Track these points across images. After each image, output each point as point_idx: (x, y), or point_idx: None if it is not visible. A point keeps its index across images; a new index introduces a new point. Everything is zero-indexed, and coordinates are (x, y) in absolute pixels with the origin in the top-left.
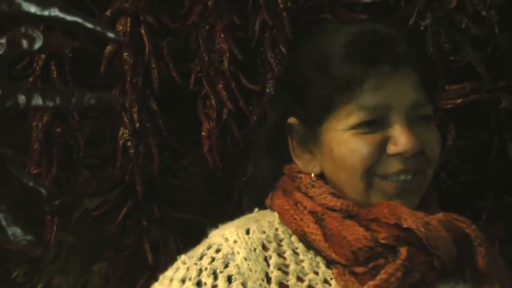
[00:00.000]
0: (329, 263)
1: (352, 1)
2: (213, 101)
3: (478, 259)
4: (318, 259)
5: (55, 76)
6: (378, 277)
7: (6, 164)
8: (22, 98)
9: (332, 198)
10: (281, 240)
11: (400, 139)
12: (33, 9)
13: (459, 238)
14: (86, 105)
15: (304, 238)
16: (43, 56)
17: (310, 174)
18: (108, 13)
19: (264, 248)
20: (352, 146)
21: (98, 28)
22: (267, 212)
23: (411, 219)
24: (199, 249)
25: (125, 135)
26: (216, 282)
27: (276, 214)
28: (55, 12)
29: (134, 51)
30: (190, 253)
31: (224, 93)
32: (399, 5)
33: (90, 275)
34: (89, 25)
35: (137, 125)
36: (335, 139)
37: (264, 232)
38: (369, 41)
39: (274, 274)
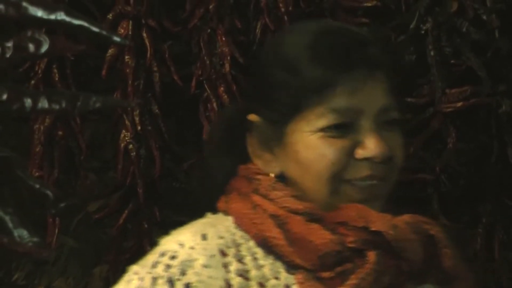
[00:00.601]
0: (290, 268)
1: (353, 5)
2: (214, 105)
3: (444, 261)
4: (278, 264)
5: (57, 79)
6: (348, 282)
7: (12, 167)
8: (28, 101)
9: (294, 201)
10: (239, 246)
11: (369, 144)
12: (39, 13)
13: (425, 240)
14: (91, 109)
15: (265, 243)
16: (45, 59)
17: (269, 175)
18: (110, 16)
19: (223, 254)
20: (320, 150)
21: (104, 32)
22: (221, 216)
23: (379, 222)
24: (151, 257)
25: (126, 138)
26: None
27: (230, 218)
28: (61, 16)
29: (136, 54)
30: (142, 262)
31: (225, 96)
32: (400, 10)
33: (90, 278)
34: (95, 29)
35: (139, 128)
36: (302, 141)
37: (221, 237)
38: (342, 42)
39: (236, 281)
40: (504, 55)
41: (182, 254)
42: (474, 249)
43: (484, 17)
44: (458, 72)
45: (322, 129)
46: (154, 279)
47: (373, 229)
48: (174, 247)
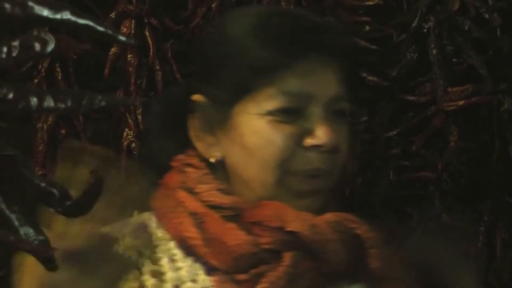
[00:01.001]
0: (209, 270)
1: (354, 3)
2: None
3: (371, 261)
4: (197, 266)
5: (60, 78)
6: (258, 286)
7: (18, 165)
8: (34, 100)
9: (220, 194)
10: (156, 247)
11: (319, 132)
12: (45, 12)
13: (350, 239)
14: (96, 107)
15: (183, 244)
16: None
17: (209, 160)
18: (112, 15)
19: (139, 254)
20: (267, 135)
21: (109, 31)
22: (147, 215)
23: (295, 222)
24: None
25: (129, 137)
26: None
27: (154, 217)
28: (67, 15)
29: (138, 53)
30: None
31: None
32: (401, 8)
33: None
34: (101, 28)
35: (141, 126)
36: (249, 124)
37: (138, 238)
38: (298, 25)
39: (150, 282)
40: (505, 54)
41: None
42: (476, 247)
43: (486, 16)
44: (459, 70)
45: (271, 112)
46: None
47: (288, 229)
48: None
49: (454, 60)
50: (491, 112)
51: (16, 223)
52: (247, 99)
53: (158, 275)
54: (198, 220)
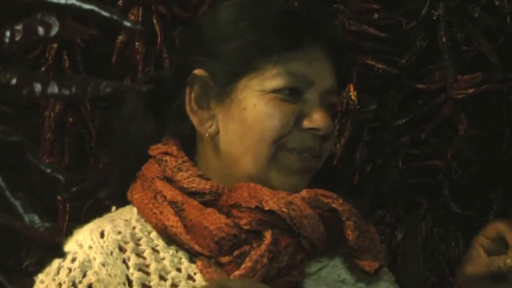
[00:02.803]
0: (193, 257)
1: None
2: None
3: (348, 233)
4: (180, 254)
5: (67, 66)
6: (243, 266)
7: (24, 152)
8: (38, 86)
9: (200, 180)
10: (139, 239)
11: (316, 116)
12: None
13: (326, 214)
14: (102, 94)
15: (165, 233)
16: (55, 45)
17: (205, 134)
18: (120, 2)
19: (121, 249)
20: (269, 111)
21: (115, 17)
22: (127, 208)
23: (272, 201)
24: (55, 262)
25: None
26: None
27: (135, 209)
28: (71, 0)
29: (146, 41)
30: (47, 269)
31: None
32: None
33: None
34: (105, 14)
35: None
36: (252, 99)
37: (119, 232)
38: (314, 16)
39: (135, 276)
40: None
41: (81, 255)
42: None
43: (497, 2)
44: (469, 58)
45: (274, 90)
46: (59, 286)
47: (266, 208)
48: (74, 247)
49: (464, 47)
50: (501, 100)
51: (21, 209)
52: (252, 76)
53: (142, 267)
54: (177, 209)
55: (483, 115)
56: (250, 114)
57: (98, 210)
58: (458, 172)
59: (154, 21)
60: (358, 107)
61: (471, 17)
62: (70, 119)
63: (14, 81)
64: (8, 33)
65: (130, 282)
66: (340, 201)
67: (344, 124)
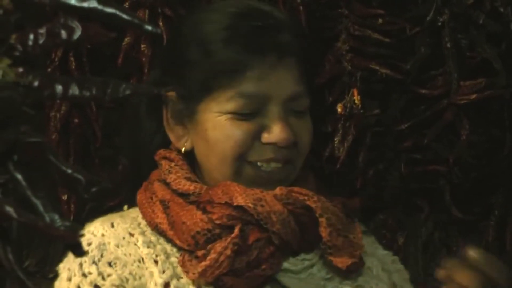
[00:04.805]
0: (180, 251)
1: None
2: None
3: (321, 230)
4: (169, 247)
5: (73, 67)
6: (208, 257)
7: (45, 152)
8: (59, 88)
9: (186, 182)
10: (144, 232)
11: (275, 129)
12: (72, 1)
13: (299, 210)
14: (121, 96)
15: (157, 230)
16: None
17: (181, 149)
18: (126, 5)
19: (131, 235)
20: (226, 131)
21: (136, 21)
22: (135, 209)
23: (241, 197)
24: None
25: None
26: (100, 269)
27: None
28: (93, 4)
29: (152, 43)
30: (65, 259)
31: None
32: (415, 1)
33: None
34: (127, 17)
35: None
36: (211, 120)
37: (127, 223)
38: (254, 26)
39: (144, 252)
40: None
41: (96, 240)
42: (486, 241)
43: (501, 9)
44: (473, 64)
45: (229, 112)
46: (80, 265)
47: (234, 204)
48: (87, 236)
49: (467, 53)
50: (502, 106)
51: (41, 209)
52: (209, 99)
53: (151, 245)
54: (165, 206)
55: (485, 120)
56: (211, 135)
57: (100, 211)
58: (459, 177)
59: (160, 23)
60: (361, 111)
61: (476, 23)
62: (76, 120)
63: (36, 83)
64: (31, 36)
65: (142, 259)
66: (315, 198)
67: (348, 128)
